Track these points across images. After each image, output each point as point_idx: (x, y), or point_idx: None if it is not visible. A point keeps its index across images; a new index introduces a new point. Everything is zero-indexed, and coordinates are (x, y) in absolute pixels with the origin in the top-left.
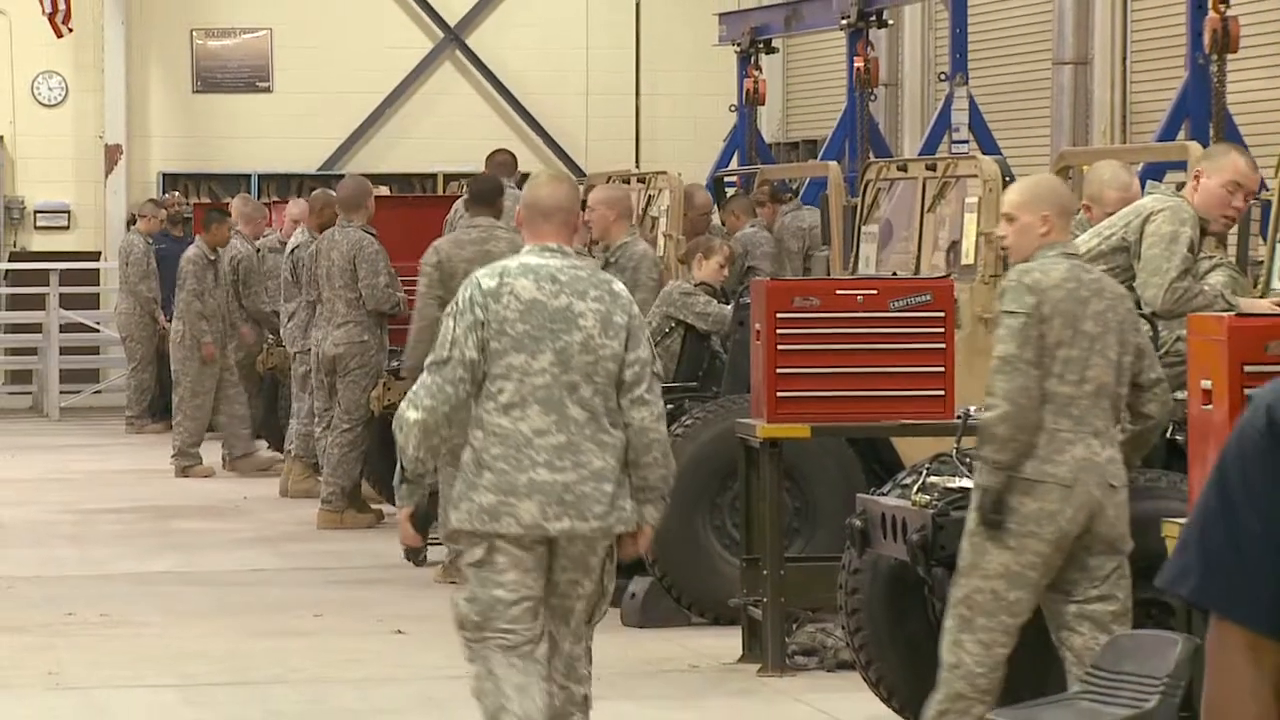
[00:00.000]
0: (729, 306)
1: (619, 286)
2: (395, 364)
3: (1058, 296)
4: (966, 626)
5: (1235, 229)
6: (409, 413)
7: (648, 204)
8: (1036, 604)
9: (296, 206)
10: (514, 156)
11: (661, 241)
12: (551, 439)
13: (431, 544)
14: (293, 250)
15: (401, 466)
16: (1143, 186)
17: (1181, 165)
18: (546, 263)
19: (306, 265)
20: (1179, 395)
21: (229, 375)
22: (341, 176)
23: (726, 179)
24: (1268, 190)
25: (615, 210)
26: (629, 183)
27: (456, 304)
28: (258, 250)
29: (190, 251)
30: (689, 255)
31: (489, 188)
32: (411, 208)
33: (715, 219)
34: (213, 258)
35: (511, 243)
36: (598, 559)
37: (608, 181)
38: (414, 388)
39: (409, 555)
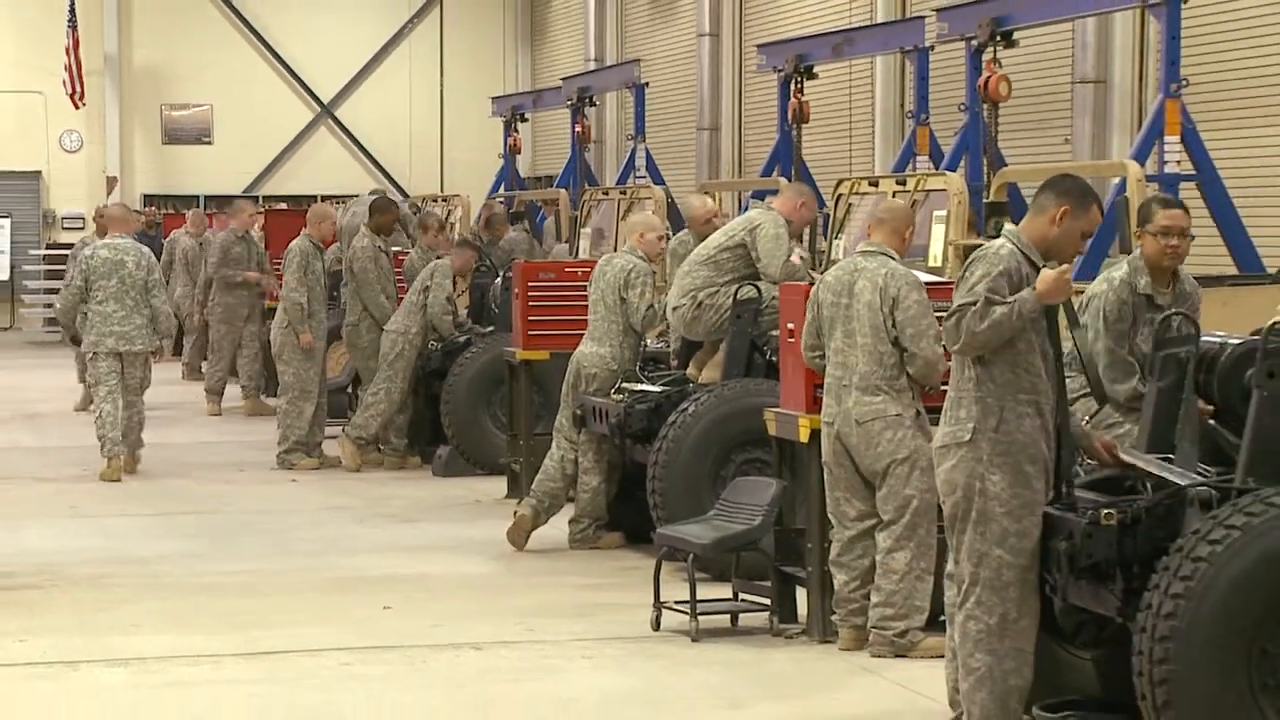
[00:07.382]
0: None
1: (146, 250)
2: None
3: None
4: None
5: (808, 230)
6: (58, 303)
7: (448, 215)
8: None
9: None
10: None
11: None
12: (120, 313)
13: (295, 453)
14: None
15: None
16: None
17: (774, 192)
18: (116, 241)
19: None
20: (774, 332)
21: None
22: (255, 198)
23: (499, 200)
24: (826, 208)
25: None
26: (436, 201)
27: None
28: (200, 244)
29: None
30: (420, 226)
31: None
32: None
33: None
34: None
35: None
36: (139, 366)
37: (432, 200)
38: (60, 295)
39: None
